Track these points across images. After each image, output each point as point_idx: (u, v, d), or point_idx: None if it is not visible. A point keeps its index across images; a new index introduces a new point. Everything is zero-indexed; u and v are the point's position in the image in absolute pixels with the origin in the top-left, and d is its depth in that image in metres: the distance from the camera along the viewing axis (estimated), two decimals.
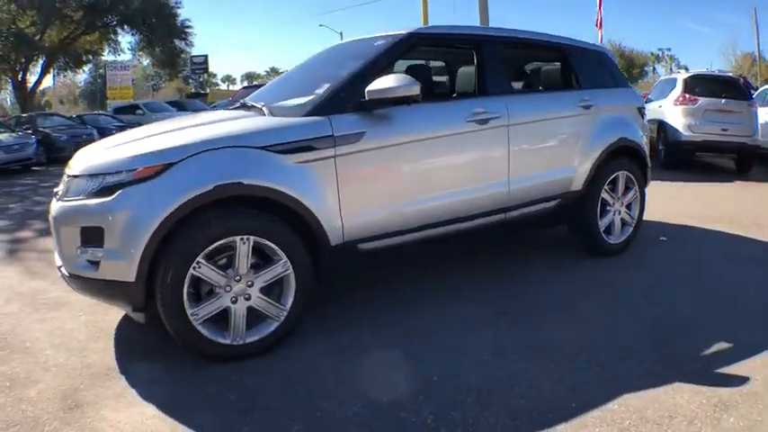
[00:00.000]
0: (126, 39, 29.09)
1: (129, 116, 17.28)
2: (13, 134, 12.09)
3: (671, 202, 5.80)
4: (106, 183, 2.32)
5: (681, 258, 3.82)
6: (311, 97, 2.78)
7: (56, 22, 21.42)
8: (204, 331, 2.37)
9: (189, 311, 2.32)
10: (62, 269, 2.50)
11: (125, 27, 23.99)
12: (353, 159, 2.63)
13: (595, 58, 4.01)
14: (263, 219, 2.41)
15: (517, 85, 4.09)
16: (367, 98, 2.64)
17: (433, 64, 4.58)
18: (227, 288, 2.39)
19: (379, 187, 2.76)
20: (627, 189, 3.91)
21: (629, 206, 3.94)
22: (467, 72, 3.83)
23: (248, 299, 2.44)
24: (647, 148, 4.08)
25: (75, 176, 2.44)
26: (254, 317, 2.48)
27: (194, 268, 2.31)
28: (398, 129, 2.79)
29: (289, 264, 2.46)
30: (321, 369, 2.38)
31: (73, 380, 2.37)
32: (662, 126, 8.46)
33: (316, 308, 2.85)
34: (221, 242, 2.33)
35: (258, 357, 2.45)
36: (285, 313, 2.50)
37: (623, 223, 3.91)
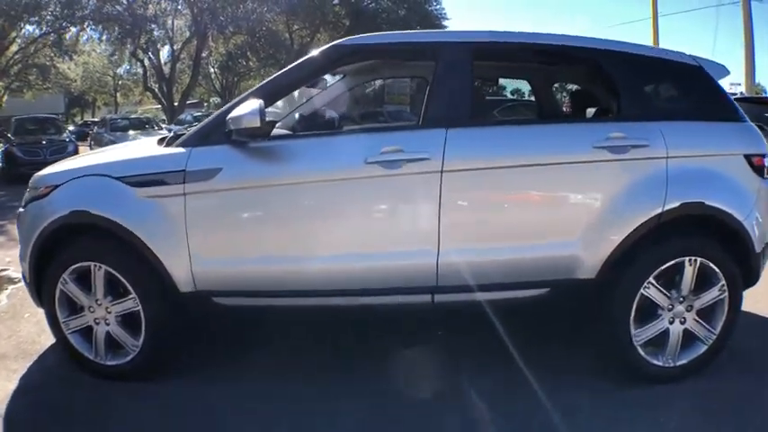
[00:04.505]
0: None
1: None
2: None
3: None
4: (28, 196, 2.80)
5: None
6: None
7: (322, 28, 25.29)
8: (73, 341, 2.66)
9: (60, 319, 2.65)
10: None
11: None
12: (204, 199, 2.47)
13: (672, 72, 2.76)
14: (114, 249, 2.53)
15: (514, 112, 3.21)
16: (226, 128, 2.45)
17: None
18: (91, 309, 2.62)
19: (235, 235, 2.54)
20: (704, 285, 2.59)
21: (704, 312, 2.61)
22: (402, 96, 3.21)
23: (108, 324, 2.62)
24: (758, 225, 2.63)
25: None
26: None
27: (62, 283, 2.60)
28: (267, 168, 2.49)
29: (138, 300, 2.54)
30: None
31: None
32: None
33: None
34: (79, 264, 2.57)
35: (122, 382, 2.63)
36: (138, 348, 2.60)
37: (690, 337, 2.62)
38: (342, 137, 2.88)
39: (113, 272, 2.53)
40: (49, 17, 18.84)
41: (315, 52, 2.76)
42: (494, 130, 2.72)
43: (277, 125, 3.54)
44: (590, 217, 2.52)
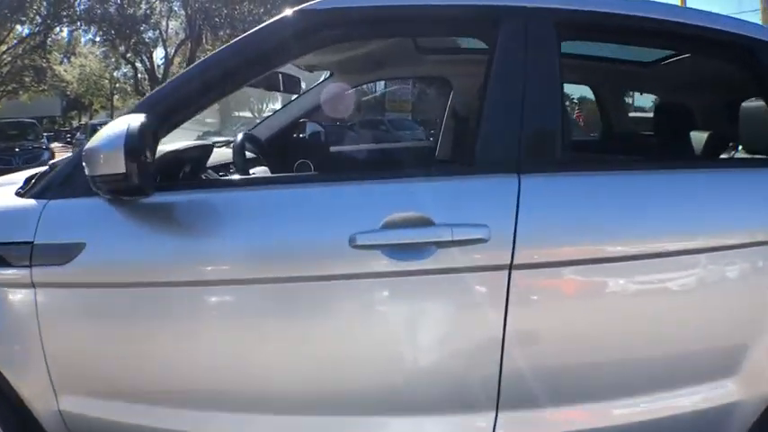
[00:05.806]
0: None
1: None
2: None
3: None
4: None
5: None
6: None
7: None
8: None
9: None
10: None
11: None
12: (62, 296, 1.45)
13: None
14: None
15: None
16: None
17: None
18: None
19: (117, 362, 1.48)
20: None
21: None
22: (425, 108, 2.31)
23: None
24: None
25: None
26: None
27: None
28: (165, 247, 1.41)
29: None
30: None
31: None
32: None
33: None
34: None
35: None
36: None
37: None
38: (302, 187, 1.50)
39: None
40: (35, 16, 18.43)
41: (266, 23, 1.53)
42: (611, 178, 1.43)
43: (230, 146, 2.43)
44: (760, 341, 1.45)
